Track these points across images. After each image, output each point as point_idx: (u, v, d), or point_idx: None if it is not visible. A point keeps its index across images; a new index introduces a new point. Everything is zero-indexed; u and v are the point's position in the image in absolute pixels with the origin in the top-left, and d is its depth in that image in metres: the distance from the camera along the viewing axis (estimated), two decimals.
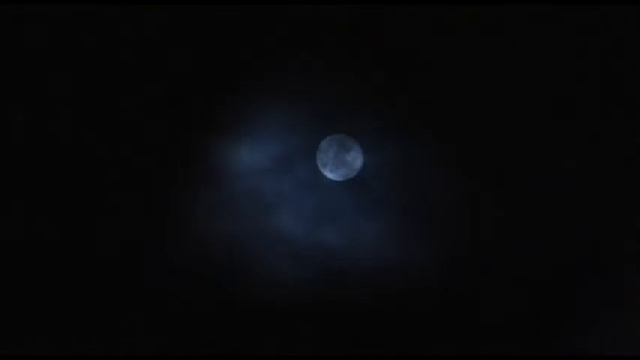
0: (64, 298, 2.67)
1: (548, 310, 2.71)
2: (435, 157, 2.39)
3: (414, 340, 2.13)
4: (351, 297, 2.13)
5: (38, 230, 2.63)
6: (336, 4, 2.61)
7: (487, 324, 2.38)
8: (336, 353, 1.94)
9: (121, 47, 2.66)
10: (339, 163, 2.08)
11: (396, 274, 2.18)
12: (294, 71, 2.51)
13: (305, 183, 2.06)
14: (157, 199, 2.43)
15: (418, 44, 2.63)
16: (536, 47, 2.84)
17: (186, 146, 2.39)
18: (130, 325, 2.43)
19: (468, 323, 2.26)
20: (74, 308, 2.66)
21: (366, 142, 2.13)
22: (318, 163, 2.08)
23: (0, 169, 2.66)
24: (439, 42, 2.72)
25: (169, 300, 2.23)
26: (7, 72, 2.92)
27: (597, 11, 2.57)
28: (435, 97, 2.65)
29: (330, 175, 2.09)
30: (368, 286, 2.16)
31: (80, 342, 2.66)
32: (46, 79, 2.77)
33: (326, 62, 2.58)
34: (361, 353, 2.01)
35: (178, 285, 2.16)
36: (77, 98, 2.73)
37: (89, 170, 2.53)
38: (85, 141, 2.68)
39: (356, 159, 2.12)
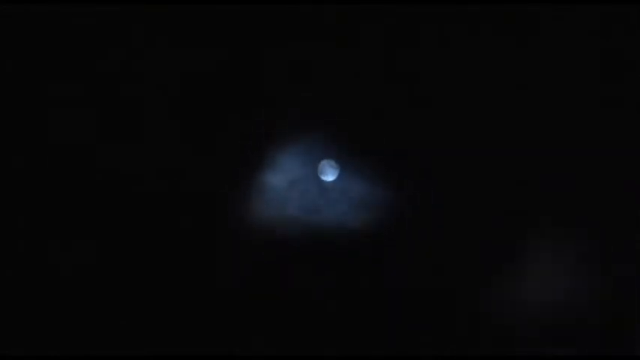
0: (146, 298, 3.38)
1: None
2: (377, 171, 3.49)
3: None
4: (324, 246, 3.30)
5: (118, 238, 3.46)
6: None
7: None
8: (324, 271, 3.18)
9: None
10: (326, 174, 3.39)
11: (348, 237, 3.26)
12: (296, 118, 3.58)
13: (303, 191, 3.29)
14: (220, 202, 3.36)
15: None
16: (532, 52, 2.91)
17: (238, 175, 3.39)
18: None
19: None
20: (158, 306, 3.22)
21: (343, 163, 3.43)
22: (319, 173, 3.34)
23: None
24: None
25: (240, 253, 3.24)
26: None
27: (596, 12, 2.59)
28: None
29: (324, 179, 3.41)
30: (331, 240, 3.30)
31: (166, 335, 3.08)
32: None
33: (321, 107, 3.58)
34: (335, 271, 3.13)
35: (244, 241, 3.26)
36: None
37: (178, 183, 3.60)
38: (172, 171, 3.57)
39: (335, 172, 3.38)
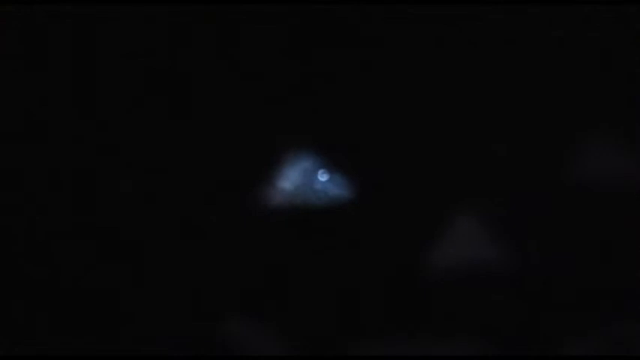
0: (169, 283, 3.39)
1: None
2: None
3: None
4: (318, 225, 3.82)
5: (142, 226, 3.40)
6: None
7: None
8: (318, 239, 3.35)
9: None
10: (322, 176, 3.84)
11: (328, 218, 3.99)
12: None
13: (305, 193, 3.72)
14: (250, 200, 3.90)
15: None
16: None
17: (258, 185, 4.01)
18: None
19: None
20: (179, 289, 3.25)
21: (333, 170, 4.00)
22: (319, 177, 3.78)
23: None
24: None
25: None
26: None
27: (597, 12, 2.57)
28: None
29: (321, 179, 3.90)
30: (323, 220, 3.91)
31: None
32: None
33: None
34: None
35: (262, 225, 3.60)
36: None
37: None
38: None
39: (327, 175, 3.82)
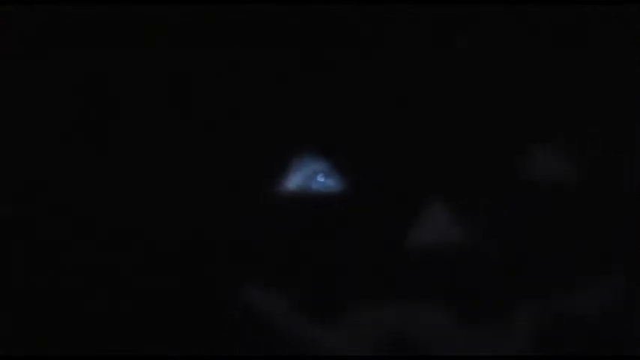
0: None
1: None
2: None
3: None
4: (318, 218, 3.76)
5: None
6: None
7: None
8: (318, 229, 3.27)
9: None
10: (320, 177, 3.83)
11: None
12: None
13: (305, 191, 3.82)
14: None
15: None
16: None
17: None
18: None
19: None
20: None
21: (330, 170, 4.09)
22: (319, 178, 3.78)
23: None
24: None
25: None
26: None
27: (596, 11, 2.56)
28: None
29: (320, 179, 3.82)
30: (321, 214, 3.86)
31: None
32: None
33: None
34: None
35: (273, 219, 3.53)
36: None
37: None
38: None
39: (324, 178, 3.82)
